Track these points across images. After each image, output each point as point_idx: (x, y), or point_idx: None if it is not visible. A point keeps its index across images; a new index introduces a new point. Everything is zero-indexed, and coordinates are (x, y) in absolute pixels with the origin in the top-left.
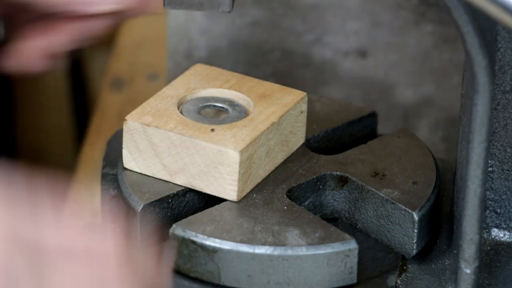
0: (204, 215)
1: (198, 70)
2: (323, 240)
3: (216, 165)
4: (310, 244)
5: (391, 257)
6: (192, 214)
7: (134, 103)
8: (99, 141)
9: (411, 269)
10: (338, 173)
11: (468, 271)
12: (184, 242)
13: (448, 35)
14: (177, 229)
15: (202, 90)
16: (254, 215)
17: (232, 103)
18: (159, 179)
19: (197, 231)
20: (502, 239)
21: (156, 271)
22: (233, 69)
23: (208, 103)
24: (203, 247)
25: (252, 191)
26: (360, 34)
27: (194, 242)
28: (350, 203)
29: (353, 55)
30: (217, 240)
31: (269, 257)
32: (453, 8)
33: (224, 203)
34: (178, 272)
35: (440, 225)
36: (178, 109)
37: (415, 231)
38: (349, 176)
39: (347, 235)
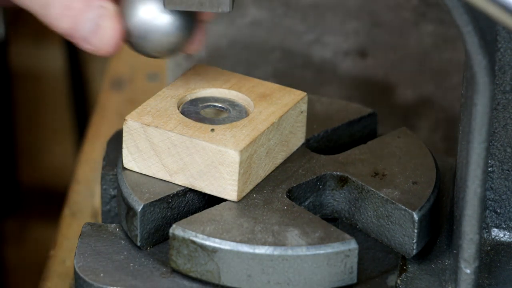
0: (204, 215)
1: (198, 70)
2: (323, 240)
3: (216, 165)
4: (310, 244)
5: (391, 257)
6: (192, 214)
7: (134, 103)
8: (99, 141)
9: (411, 269)
10: (338, 173)
11: (468, 271)
12: (184, 242)
13: (448, 35)
14: (177, 229)
15: (202, 90)
16: (254, 215)
17: (232, 103)
18: (159, 179)
19: (197, 231)
20: (502, 239)
21: None
22: (233, 69)
23: (208, 103)
24: (203, 247)
25: (252, 191)
26: (360, 34)
27: (194, 242)
28: (350, 203)
29: (353, 55)
30: (217, 240)
31: (269, 257)
32: (453, 8)
33: (224, 203)
34: (178, 272)
35: (440, 225)
36: (178, 109)
37: (415, 231)
38: (349, 176)
39: (347, 235)
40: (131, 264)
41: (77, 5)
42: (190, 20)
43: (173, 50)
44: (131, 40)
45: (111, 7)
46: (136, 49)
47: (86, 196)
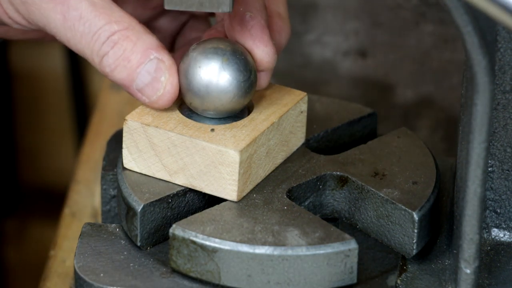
0: (204, 215)
1: None
2: (323, 240)
3: (216, 165)
4: (310, 244)
5: (391, 257)
6: (192, 214)
7: (134, 103)
8: (99, 141)
9: (411, 269)
10: (338, 173)
11: (468, 271)
12: (184, 242)
13: (448, 35)
14: (177, 229)
15: None
16: (254, 215)
17: None
18: (159, 179)
19: (197, 231)
20: (502, 239)
21: None
22: None
23: None
24: (203, 247)
25: (252, 191)
26: (360, 34)
27: (194, 242)
28: (350, 203)
29: (353, 55)
30: (217, 240)
31: (269, 257)
32: (453, 8)
33: (224, 203)
34: (178, 272)
35: (440, 225)
36: (178, 109)
37: (415, 231)
38: (349, 176)
39: (347, 235)
40: (131, 264)
41: (134, 57)
42: (249, 86)
43: (226, 113)
44: (187, 99)
45: (168, 61)
46: (191, 107)
47: (86, 196)
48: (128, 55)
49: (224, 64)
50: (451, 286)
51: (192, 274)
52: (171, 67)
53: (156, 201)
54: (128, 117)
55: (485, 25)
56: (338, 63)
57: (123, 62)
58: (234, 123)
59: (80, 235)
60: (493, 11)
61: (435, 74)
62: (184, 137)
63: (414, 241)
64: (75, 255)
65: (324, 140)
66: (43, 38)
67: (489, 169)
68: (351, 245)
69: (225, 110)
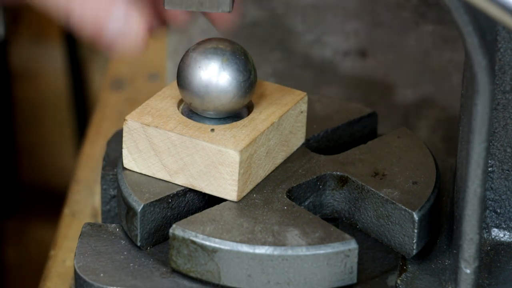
0: (204, 215)
1: None
2: (323, 240)
3: (216, 165)
4: (310, 244)
5: (391, 257)
6: (192, 214)
7: (134, 103)
8: (99, 140)
9: (411, 269)
10: (338, 173)
11: (468, 271)
12: (184, 242)
13: (448, 35)
14: (177, 229)
15: None
16: (254, 215)
17: None
18: (159, 179)
19: (197, 231)
20: (502, 239)
21: None
22: None
23: None
24: (203, 247)
25: (252, 191)
26: (360, 34)
27: (194, 242)
28: (350, 203)
29: (353, 55)
30: (217, 240)
31: (269, 257)
32: (453, 8)
33: (224, 203)
34: (178, 272)
35: (440, 225)
36: (178, 109)
37: (415, 231)
38: (349, 176)
39: (347, 235)
40: (131, 264)
41: (100, 6)
42: (249, 86)
43: (226, 113)
44: (187, 99)
45: (135, 6)
46: (191, 107)
47: (86, 196)
48: (93, 6)
49: (224, 64)
50: (451, 286)
51: (192, 274)
52: (138, 13)
53: (156, 201)
54: (128, 117)
55: (485, 25)
56: (338, 63)
57: (89, 14)
58: (234, 123)
59: (80, 235)
60: (493, 11)
61: (435, 74)
62: (184, 137)
63: (414, 241)
64: (75, 255)
65: (324, 140)
66: (15, 2)
67: (489, 169)
68: (351, 245)
69: (225, 110)
